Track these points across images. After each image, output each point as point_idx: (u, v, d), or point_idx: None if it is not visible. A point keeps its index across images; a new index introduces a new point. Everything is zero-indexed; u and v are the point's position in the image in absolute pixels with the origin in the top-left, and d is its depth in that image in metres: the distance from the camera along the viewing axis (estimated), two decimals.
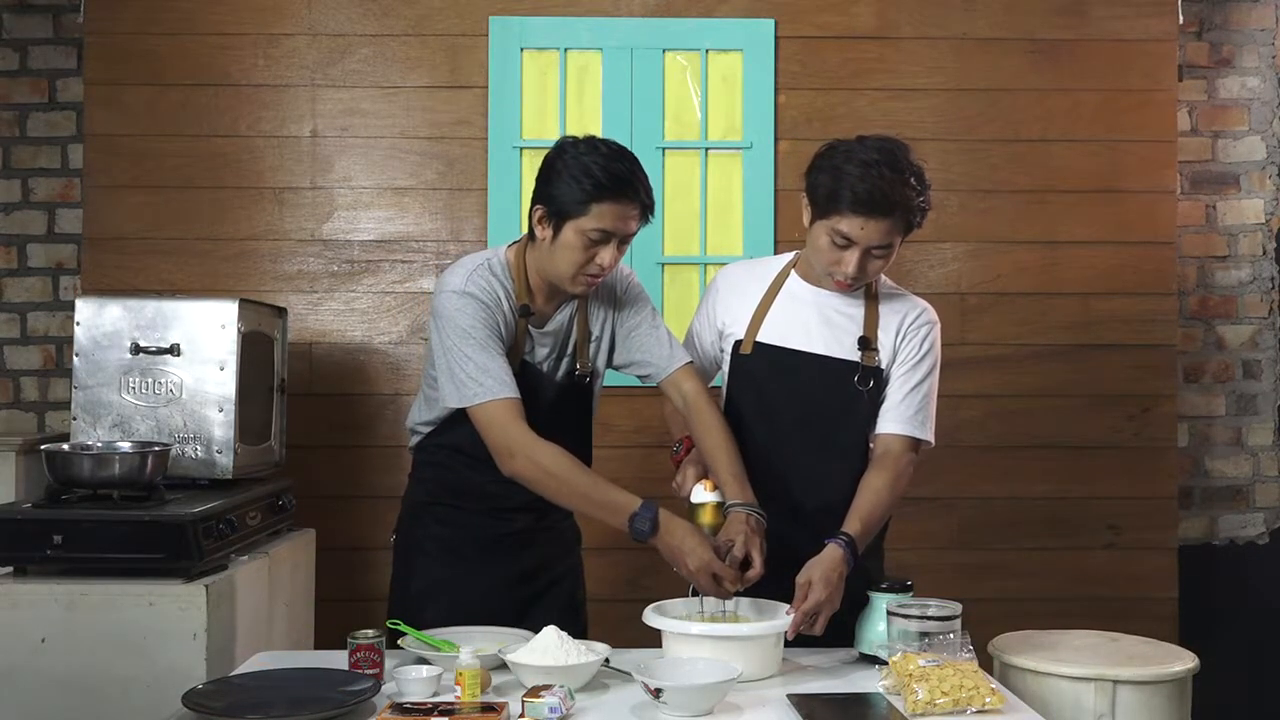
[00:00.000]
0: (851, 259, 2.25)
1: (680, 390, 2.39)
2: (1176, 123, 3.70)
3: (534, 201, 2.29)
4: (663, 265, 3.59)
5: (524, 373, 2.31)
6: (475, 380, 2.22)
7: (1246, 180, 4.01)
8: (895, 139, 2.30)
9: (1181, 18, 3.64)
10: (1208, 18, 3.99)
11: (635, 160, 2.27)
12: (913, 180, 2.24)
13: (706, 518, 2.20)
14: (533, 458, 2.19)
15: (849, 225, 2.22)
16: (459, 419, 2.30)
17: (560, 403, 2.39)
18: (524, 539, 2.42)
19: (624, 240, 2.26)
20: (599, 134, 2.29)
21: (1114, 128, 3.63)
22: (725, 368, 2.47)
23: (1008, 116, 3.64)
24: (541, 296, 2.36)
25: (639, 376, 2.46)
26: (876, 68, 3.63)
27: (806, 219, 2.32)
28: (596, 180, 2.20)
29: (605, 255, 2.24)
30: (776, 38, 3.60)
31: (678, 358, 2.41)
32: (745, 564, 2.14)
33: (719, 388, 2.51)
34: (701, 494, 2.22)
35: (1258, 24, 4.00)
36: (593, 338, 2.43)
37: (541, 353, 2.37)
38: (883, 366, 2.37)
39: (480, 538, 2.40)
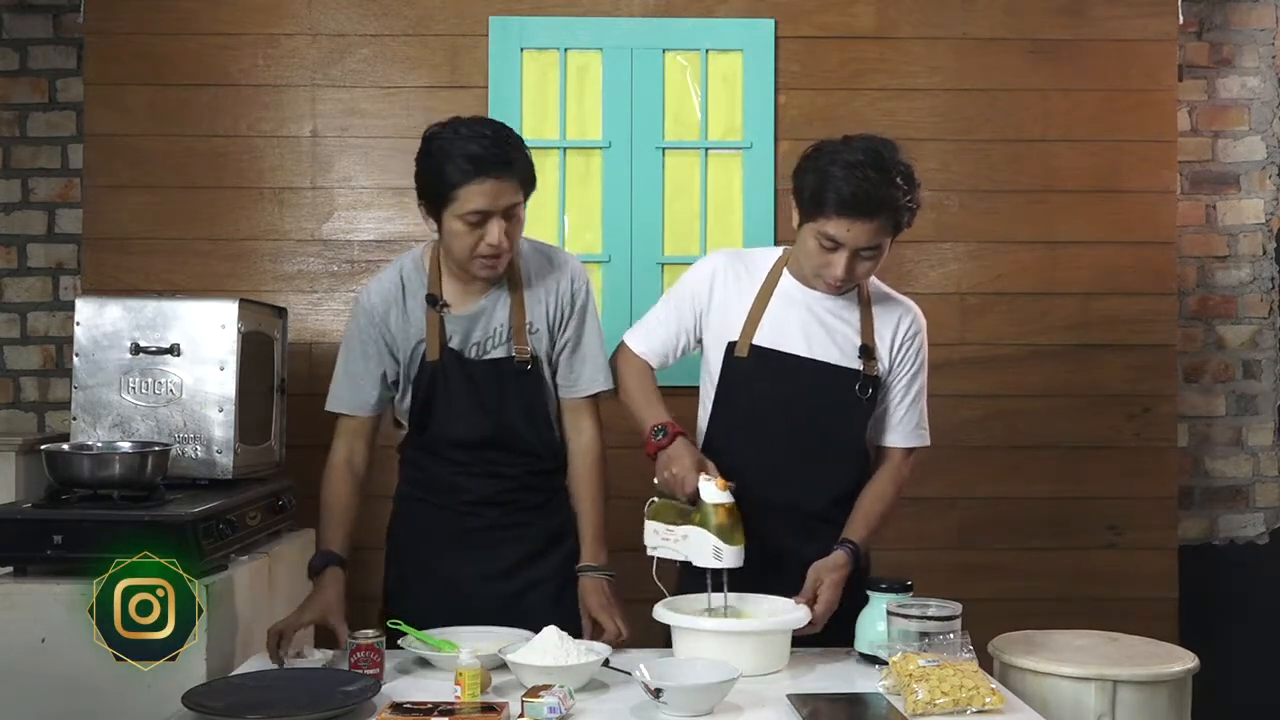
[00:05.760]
0: (840, 261, 2.24)
1: (577, 423, 2.45)
2: (1176, 123, 3.70)
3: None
4: (663, 265, 3.59)
5: (444, 358, 2.37)
6: (332, 390, 2.46)
7: (1246, 180, 4.01)
8: (882, 138, 2.27)
9: (1181, 18, 3.64)
10: (1208, 18, 3.99)
11: (497, 135, 2.25)
12: (899, 180, 2.20)
13: (722, 518, 2.14)
14: (326, 478, 2.43)
15: (835, 228, 2.21)
16: (427, 419, 2.40)
17: (499, 387, 2.39)
18: (491, 535, 2.44)
19: (507, 214, 2.25)
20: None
21: (1114, 128, 3.63)
22: (715, 370, 2.43)
23: (1008, 116, 3.63)
24: (459, 284, 2.39)
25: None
26: (876, 68, 3.62)
27: (795, 221, 2.31)
28: (456, 166, 2.21)
29: (492, 232, 2.24)
30: (776, 38, 3.59)
31: (583, 387, 2.45)
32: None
33: (692, 385, 2.51)
34: (714, 493, 2.16)
35: (1258, 24, 4.00)
36: (533, 328, 2.41)
37: (459, 339, 2.38)
38: (881, 375, 2.38)
39: (451, 532, 2.44)
